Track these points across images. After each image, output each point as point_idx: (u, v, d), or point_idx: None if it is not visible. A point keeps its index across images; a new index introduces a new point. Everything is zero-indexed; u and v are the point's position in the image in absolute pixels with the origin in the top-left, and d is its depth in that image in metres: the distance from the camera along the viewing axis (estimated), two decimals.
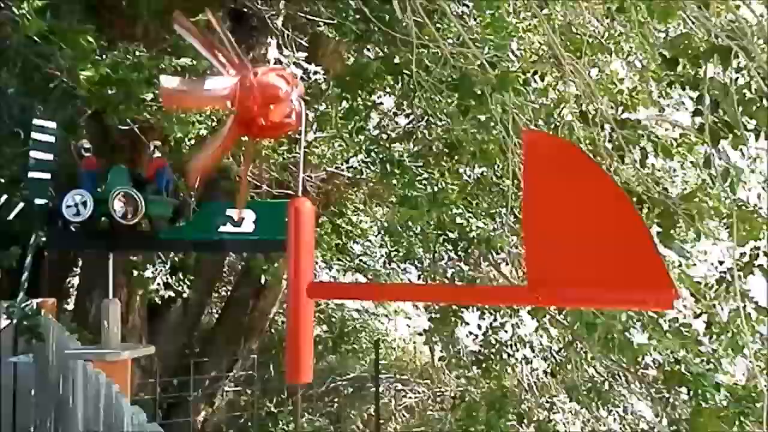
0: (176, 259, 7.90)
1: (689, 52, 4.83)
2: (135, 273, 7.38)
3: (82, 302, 8.30)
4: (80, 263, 9.39)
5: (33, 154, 4.31)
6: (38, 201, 4.55)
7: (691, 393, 6.42)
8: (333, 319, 12.54)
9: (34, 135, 4.51)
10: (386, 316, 13.27)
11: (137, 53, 6.31)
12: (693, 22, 5.88)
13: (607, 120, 6.30)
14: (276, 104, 1.70)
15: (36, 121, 4.55)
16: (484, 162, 7.44)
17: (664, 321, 6.66)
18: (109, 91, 5.92)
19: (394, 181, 7.00)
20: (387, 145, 7.64)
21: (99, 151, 5.27)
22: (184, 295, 7.96)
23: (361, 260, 12.17)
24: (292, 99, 1.74)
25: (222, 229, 4.23)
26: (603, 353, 6.61)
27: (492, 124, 7.01)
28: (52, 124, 4.63)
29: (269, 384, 9.76)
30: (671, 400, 6.60)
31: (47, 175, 4.32)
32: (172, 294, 7.79)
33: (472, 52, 6.37)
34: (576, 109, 7.04)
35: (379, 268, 12.23)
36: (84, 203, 4.12)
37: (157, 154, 4.60)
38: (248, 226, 4.20)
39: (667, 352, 6.81)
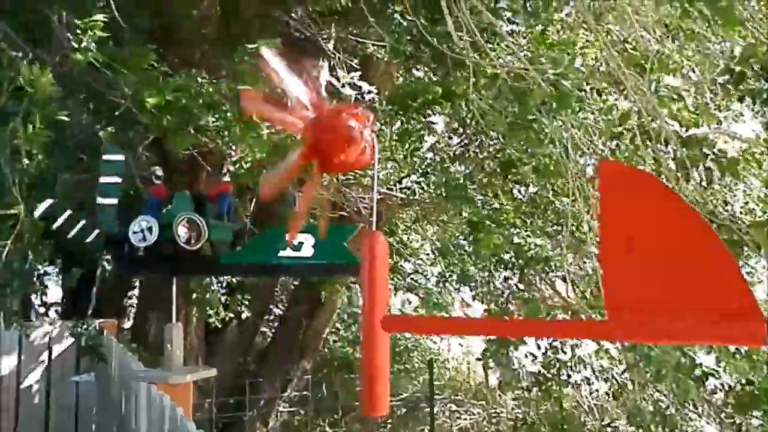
0: (233, 280, 8.01)
1: (756, 63, 4.73)
2: (194, 295, 7.50)
3: (140, 323, 8.48)
4: (138, 284, 9.59)
5: (102, 180, 4.42)
6: (106, 227, 4.67)
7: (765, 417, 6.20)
8: None
9: (104, 162, 4.63)
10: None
11: (199, 79, 6.49)
12: (756, 32, 5.75)
13: (669, 137, 6.18)
14: (350, 145, 1.72)
15: (106, 155, 4.66)
16: (543, 179, 7.37)
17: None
18: (169, 118, 6.08)
19: (455, 202, 6.95)
20: (441, 165, 7.63)
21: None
22: (243, 316, 8.05)
23: (412, 278, 12.15)
24: (365, 137, 1.75)
25: (282, 253, 4.27)
26: (667, 380, 6.42)
27: (547, 142, 6.95)
28: (121, 155, 4.74)
29: (323, 404, 9.78)
30: (743, 425, 6.36)
31: (114, 201, 4.44)
32: (231, 315, 7.89)
33: (534, 69, 6.33)
34: (637, 128, 6.93)
35: (430, 286, 12.19)
36: (150, 229, 4.22)
37: (227, 177, 4.69)
38: (307, 251, 4.23)
39: (736, 375, 6.59)
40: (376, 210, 2.02)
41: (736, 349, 6.33)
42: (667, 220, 1.52)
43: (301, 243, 4.22)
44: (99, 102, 6.81)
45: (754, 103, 5.04)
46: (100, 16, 5.47)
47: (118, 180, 4.61)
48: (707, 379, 6.87)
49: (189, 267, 4.54)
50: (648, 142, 6.48)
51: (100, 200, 4.51)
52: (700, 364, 6.76)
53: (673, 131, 6.56)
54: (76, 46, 5.55)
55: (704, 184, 5.35)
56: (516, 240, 8.17)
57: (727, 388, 6.99)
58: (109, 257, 5.62)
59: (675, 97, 7.49)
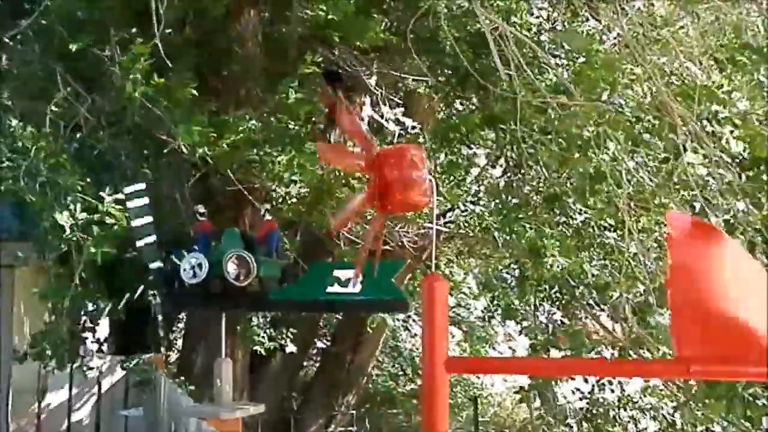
0: (277, 314, 8.05)
1: None
2: (239, 328, 7.56)
3: (186, 356, 8.55)
4: (184, 318, 9.71)
5: (134, 222, 4.49)
6: (152, 265, 4.73)
7: None
8: None
9: (129, 203, 4.67)
10: None
11: (247, 117, 6.63)
12: None
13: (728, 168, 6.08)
14: (414, 186, 1.75)
15: (127, 189, 4.72)
16: (591, 212, 7.31)
17: None
18: (215, 152, 6.21)
19: (512, 226, 6.91)
20: (489, 196, 7.62)
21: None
22: (287, 350, 8.07)
23: (455, 312, 12.07)
24: (426, 178, 1.78)
25: (329, 289, 4.27)
26: (724, 414, 6.23)
27: (597, 173, 6.88)
28: (141, 186, 4.80)
29: None
30: None
31: (152, 239, 4.49)
32: (276, 345, 7.91)
33: (577, 102, 6.31)
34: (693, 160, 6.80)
35: (473, 320, 12.10)
36: (200, 265, 4.26)
37: (267, 216, 4.74)
38: (355, 287, 4.23)
39: None
40: (435, 249, 2.04)
41: None
42: (729, 269, 1.69)
43: (348, 279, 4.22)
44: (145, 139, 7.02)
45: None
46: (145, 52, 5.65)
47: (150, 219, 4.65)
48: (761, 420, 6.64)
49: (238, 303, 4.57)
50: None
51: (139, 243, 4.56)
52: (756, 399, 6.54)
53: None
54: (127, 81, 5.75)
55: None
56: (572, 267, 8.03)
57: None
58: (157, 293, 5.68)
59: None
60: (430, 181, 1.82)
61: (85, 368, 6.61)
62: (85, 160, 6.97)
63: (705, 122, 7.10)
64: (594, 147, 5.89)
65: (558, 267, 7.31)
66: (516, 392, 10.55)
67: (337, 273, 4.24)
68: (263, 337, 7.83)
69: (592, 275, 7.39)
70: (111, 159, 7.10)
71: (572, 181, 7.36)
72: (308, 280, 4.46)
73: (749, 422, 6.31)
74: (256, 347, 7.90)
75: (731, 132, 5.83)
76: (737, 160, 6.22)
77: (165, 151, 6.35)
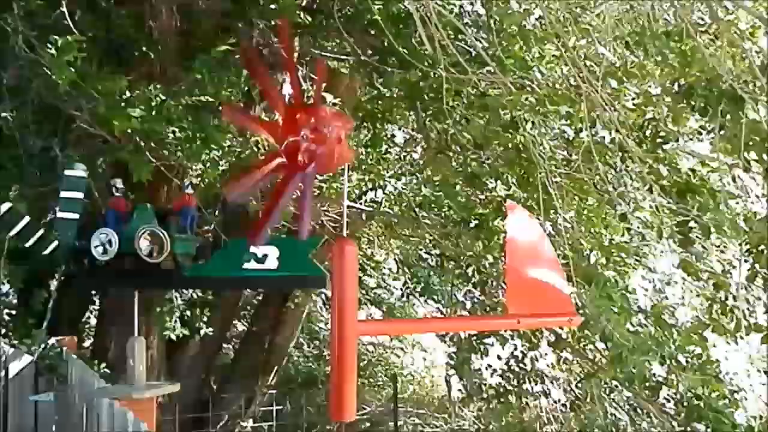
0: (194, 295, 7.92)
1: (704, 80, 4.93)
2: (154, 309, 7.39)
3: (100, 339, 8.31)
4: (98, 300, 9.42)
5: (64, 194, 4.35)
6: (64, 240, 4.59)
7: (709, 430, 6.37)
8: None
9: (67, 177, 4.54)
10: (402, 349, 13.22)
11: (159, 94, 6.42)
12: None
13: (627, 149, 6.36)
14: (341, 143, 1.77)
15: (68, 171, 4.58)
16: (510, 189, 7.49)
17: (684, 357, 6.65)
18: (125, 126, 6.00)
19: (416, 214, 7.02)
20: (407, 176, 7.69)
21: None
22: (201, 333, 7.95)
23: (375, 293, 12.17)
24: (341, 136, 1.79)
25: (246, 266, 4.25)
26: (625, 386, 6.56)
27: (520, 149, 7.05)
28: (83, 172, 4.66)
29: (287, 420, 9.69)
30: None
31: (76, 215, 4.37)
32: (187, 332, 7.78)
33: (500, 78, 6.43)
34: (596, 137, 7.09)
35: (393, 301, 12.22)
36: (110, 242, 4.17)
37: (190, 190, 4.65)
38: (272, 263, 4.22)
39: (687, 387, 6.76)
40: (346, 215, 2.05)
41: (687, 361, 6.52)
42: (540, 251, 2.29)
43: (265, 255, 4.21)
44: (56, 118, 6.71)
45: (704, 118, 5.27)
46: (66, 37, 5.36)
47: (81, 195, 4.52)
48: (660, 389, 7.05)
49: (152, 281, 4.49)
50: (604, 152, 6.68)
51: (60, 214, 4.42)
52: (654, 374, 6.94)
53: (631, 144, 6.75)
54: (47, 65, 5.45)
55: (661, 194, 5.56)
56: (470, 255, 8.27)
57: (678, 398, 7.15)
58: (67, 272, 5.49)
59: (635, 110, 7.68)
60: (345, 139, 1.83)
61: None
62: None
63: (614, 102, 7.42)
64: (513, 125, 6.03)
65: (479, 247, 7.50)
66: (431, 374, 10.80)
67: (254, 249, 4.22)
68: (176, 322, 7.69)
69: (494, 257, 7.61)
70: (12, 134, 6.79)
71: (490, 160, 7.53)
72: (224, 256, 4.43)
73: (650, 391, 6.68)
74: (166, 333, 7.77)
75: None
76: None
77: (74, 125, 6.11)
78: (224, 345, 10.46)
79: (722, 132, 5.34)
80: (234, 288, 6.64)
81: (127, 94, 5.78)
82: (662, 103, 7.10)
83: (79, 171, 4.46)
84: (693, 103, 5.51)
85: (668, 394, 6.88)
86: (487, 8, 7.72)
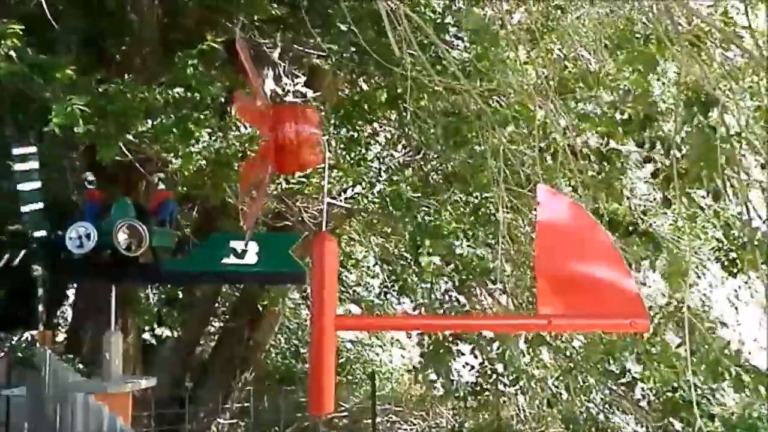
0: (172, 292, 7.87)
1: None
2: (131, 305, 7.33)
3: (75, 332, 8.23)
4: (73, 295, 9.33)
5: (20, 186, 4.29)
6: (37, 233, 4.53)
7: (684, 423, 6.48)
8: None
9: (18, 166, 4.47)
10: (380, 347, 13.23)
11: (132, 85, 6.34)
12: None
13: (593, 153, 6.45)
14: (307, 143, 1.77)
15: (16, 151, 4.50)
16: (482, 191, 7.54)
17: (656, 350, 6.75)
18: (98, 124, 5.91)
19: (399, 213, 7.03)
20: (385, 176, 7.70)
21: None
22: (178, 330, 7.90)
23: (355, 290, 12.16)
24: (318, 136, 1.79)
25: (225, 261, 4.23)
26: (602, 381, 6.65)
27: (485, 156, 7.11)
28: (32, 149, 4.58)
29: (264, 416, 9.66)
30: (668, 429, 6.64)
31: (40, 205, 4.31)
32: (166, 331, 7.73)
33: (464, 86, 6.46)
34: (565, 141, 7.17)
35: (372, 298, 12.21)
36: (88, 235, 4.13)
37: (161, 186, 4.62)
38: (251, 258, 4.20)
39: (661, 381, 6.86)
40: (326, 211, 2.05)
41: (659, 357, 6.63)
42: (588, 242, 1.91)
43: (245, 250, 4.19)
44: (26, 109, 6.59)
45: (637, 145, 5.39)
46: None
47: (37, 185, 4.45)
48: (635, 385, 7.15)
49: (129, 275, 4.45)
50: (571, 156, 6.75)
51: (24, 208, 4.36)
52: (629, 371, 7.03)
53: (594, 149, 6.84)
54: None
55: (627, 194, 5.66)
56: (458, 251, 8.32)
57: (653, 394, 7.25)
58: (40, 264, 5.42)
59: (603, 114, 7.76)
60: (322, 140, 1.84)
61: None
62: None
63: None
64: (481, 129, 6.07)
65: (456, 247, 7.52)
66: (409, 371, 10.81)
67: (233, 244, 4.21)
68: (154, 324, 7.65)
69: (478, 257, 7.65)
70: None
71: (457, 164, 7.58)
72: (204, 251, 4.41)
73: (627, 387, 6.77)
74: (145, 336, 7.71)
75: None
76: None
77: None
78: (201, 341, 10.41)
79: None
80: (212, 283, 6.62)
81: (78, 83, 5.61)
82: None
83: (28, 149, 4.37)
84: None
85: (644, 390, 6.99)
86: (458, 13, 7.76)
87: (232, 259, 4.22)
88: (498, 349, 7.66)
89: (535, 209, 2.02)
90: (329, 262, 1.78)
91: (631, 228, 5.70)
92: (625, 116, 5.08)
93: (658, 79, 7.31)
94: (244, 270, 4.22)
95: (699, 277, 8.09)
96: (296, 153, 1.78)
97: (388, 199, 7.25)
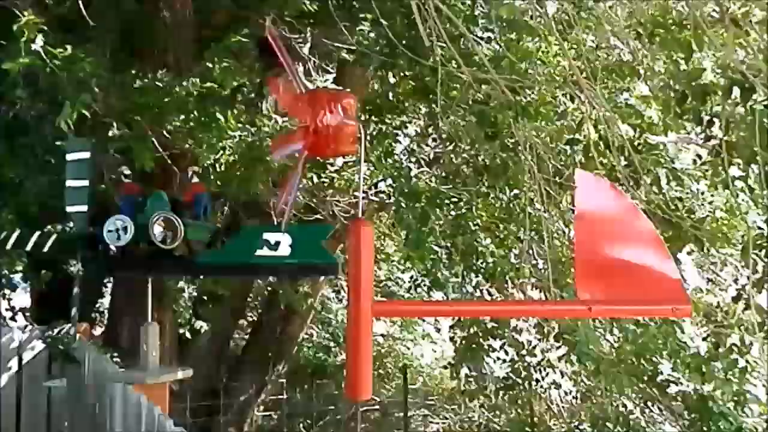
0: (205, 285, 7.98)
1: (699, 87, 4.92)
2: (167, 297, 7.44)
3: (112, 326, 8.37)
4: (111, 289, 9.49)
5: (70, 183, 4.38)
6: (78, 229, 4.63)
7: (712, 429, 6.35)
8: None
9: (70, 164, 4.57)
10: (412, 341, 13.24)
11: (165, 80, 6.43)
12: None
13: (624, 145, 6.37)
14: (345, 129, 1.78)
15: (70, 155, 4.60)
16: (511, 186, 7.50)
17: (687, 355, 6.66)
18: (137, 120, 6.01)
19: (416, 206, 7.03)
20: (415, 169, 7.70)
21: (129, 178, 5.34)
22: (211, 327, 8.01)
23: (386, 285, 12.18)
24: (355, 123, 1.81)
25: (259, 252, 4.26)
26: (632, 383, 6.57)
27: (518, 148, 7.07)
28: (86, 153, 4.68)
29: (297, 409, 9.75)
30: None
31: (84, 207, 4.40)
32: (202, 325, 7.84)
33: (493, 77, 6.43)
34: (595, 134, 7.09)
35: (402, 293, 12.22)
36: (125, 228, 4.20)
37: (195, 179, 4.68)
38: (285, 250, 4.23)
39: (693, 385, 6.75)
40: (362, 198, 2.06)
41: (691, 358, 6.53)
42: (628, 227, 1.90)
43: (278, 242, 4.22)
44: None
45: (697, 124, 5.29)
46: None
47: (86, 183, 4.54)
48: (669, 386, 7.04)
49: (165, 267, 4.52)
50: (605, 150, 6.68)
51: (69, 208, 4.45)
52: (661, 372, 6.93)
53: (627, 138, 6.75)
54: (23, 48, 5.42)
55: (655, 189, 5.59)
56: (480, 249, 8.31)
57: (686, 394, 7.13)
58: (80, 259, 5.52)
59: (636, 105, 7.65)
60: (358, 127, 1.85)
61: None
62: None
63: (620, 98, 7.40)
64: (512, 123, 6.03)
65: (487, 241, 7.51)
66: (444, 367, 10.78)
67: (266, 236, 4.23)
68: (190, 317, 7.76)
69: (501, 256, 7.62)
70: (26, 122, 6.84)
71: (488, 156, 7.54)
72: (237, 243, 4.44)
73: (658, 389, 6.68)
74: (181, 330, 7.83)
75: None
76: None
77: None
78: (235, 334, 10.52)
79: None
80: (246, 275, 6.66)
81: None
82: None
83: (82, 153, 4.47)
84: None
85: (677, 392, 6.88)
86: (489, 3, 7.71)
87: (265, 251, 4.25)
88: (530, 345, 7.61)
89: (570, 198, 2.06)
90: (366, 249, 1.79)
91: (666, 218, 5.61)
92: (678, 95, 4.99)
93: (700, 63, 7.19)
94: (277, 262, 4.25)
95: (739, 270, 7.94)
96: (333, 138, 1.79)
97: (413, 196, 7.25)
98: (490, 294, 8.59)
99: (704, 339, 6.39)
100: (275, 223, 7.07)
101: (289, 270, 4.47)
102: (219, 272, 5.19)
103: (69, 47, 5.53)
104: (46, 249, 5.77)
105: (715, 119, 5.09)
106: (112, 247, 4.31)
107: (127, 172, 4.66)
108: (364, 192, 7.84)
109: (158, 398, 4.23)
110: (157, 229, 4.18)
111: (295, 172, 1.95)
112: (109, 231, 4.21)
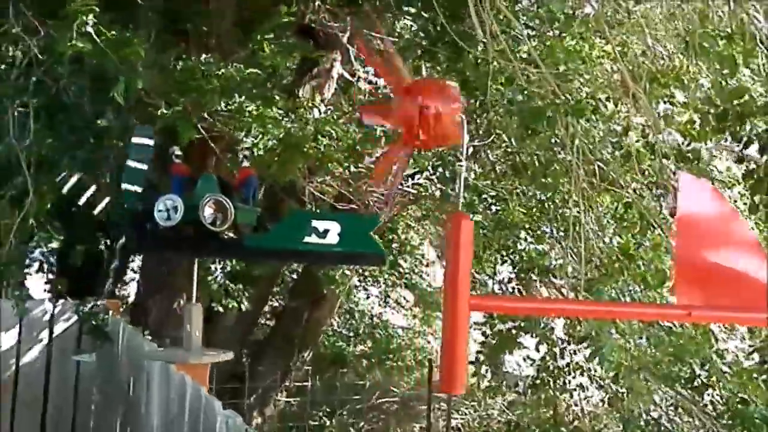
0: (237, 267, 7.98)
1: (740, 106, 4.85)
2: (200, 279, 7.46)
3: (141, 303, 8.41)
4: (140, 267, 9.54)
5: (130, 163, 4.39)
6: (129, 207, 4.64)
7: None
8: (378, 336, 12.62)
9: (135, 146, 4.58)
10: (432, 334, 13.23)
11: (210, 63, 6.43)
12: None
13: (671, 152, 6.30)
14: (453, 119, 1.75)
15: (136, 138, 4.61)
16: (547, 187, 7.45)
17: (723, 362, 6.59)
18: (179, 103, 6.02)
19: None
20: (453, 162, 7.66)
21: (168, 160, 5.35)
22: (243, 306, 8.02)
23: (407, 277, 12.16)
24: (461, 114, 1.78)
25: (307, 239, 4.24)
26: (667, 385, 6.50)
27: (557, 148, 7.02)
28: (151, 140, 4.68)
29: (320, 396, 9.79)
30: None
31: (139, 188, 4.41)
32: (233, 303, 7.86)
33: (543, 75, 6.37)
34: (642, 139, 7.03)
35: (425, 287, 12.20)
36: (175, 208, 4.18)
37: (245, 163, 4.67)
38: (333, 238, 4.21)
39: (731, 391, 6.67)
40: (461, 184, 2.03)
41: (730, 367, 6.45)
42: (729, 232, 1.89)
43: (326, 230, 4.20)
44: (108, 84, 6.75)
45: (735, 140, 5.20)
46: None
47: (145, 167, 4.55)
48: (704, 391, 6.97)
49: (212, 249, 4.51)
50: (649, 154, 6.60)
51: (125, 186, 4.46)
52: (699, 376, 6.86)
53: (675, 145, 6.68)
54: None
55: None
56: (519, 246, 8.28)
57: (722, 402, 7.06)
58: (126, 236, 5.54)
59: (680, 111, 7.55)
60: (462, 116, 1.82)
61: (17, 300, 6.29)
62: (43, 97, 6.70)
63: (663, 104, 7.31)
64: (558, 121, 5.98)
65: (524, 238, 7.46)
66: (471, 362, 10.75)
67: (315, 223, 4.21)
68: (222, 294, 7.78)
69: (538, 253, 7.57)
70: (68, 100, 6.85)
71: (537, 153, 7.48)
72: (285, 228, 4.42)
73: (694, 392, 6.60)
74: (213, 304, 7.84)
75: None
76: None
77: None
78: (260, 320, 10.56)
79: None
80: (292, 260, 6.68)
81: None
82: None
83: (146, 138, 4.48)
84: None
85: (712, 397, 6.80)
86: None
87: (313, 239, 4.22)
88: (563, 344, 7.56)
89: (673, 197, 2.06)
90: (465, 242, 1.77)
91: None
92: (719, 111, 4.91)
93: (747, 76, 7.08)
94: (324, 249, 4.23)
95: None
96: (441, 126, 1.76)
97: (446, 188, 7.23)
98: (520, 292, 8.55)
99: (748, 356, 6.33)
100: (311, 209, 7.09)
101: (335, 258, 4.45)
102: (266, 256, 5.18)
103: (117, 28, 5.57)
104: (97, 211, 5.79)
105: (754, 139, 5.03)
106: (161, 226, 4.29)
107: (179, 152, 4.63)
108: (400, 184, 7.81)
109: (200, 379, 4.25)
110: (208, 211, 4.16)
111: (400, 167, 1.93)
112: (160, 210, 4.19)
